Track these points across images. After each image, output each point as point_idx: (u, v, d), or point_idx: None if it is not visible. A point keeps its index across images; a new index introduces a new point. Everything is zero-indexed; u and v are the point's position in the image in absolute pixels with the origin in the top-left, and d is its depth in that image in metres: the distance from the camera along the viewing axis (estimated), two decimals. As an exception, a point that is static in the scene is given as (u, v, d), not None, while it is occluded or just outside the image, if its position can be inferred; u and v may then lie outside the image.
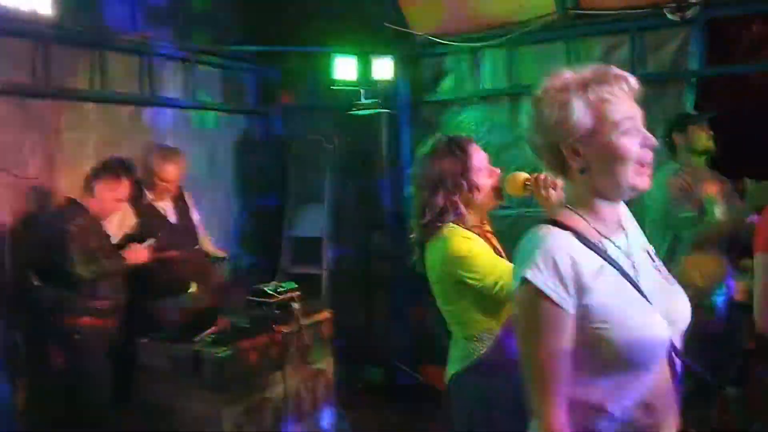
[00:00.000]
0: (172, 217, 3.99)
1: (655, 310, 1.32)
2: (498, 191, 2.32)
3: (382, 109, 4.63)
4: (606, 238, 1.37)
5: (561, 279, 1.28)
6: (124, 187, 3.54)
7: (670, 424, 1.37)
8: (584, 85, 1.33)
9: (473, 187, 2.26)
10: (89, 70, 4.00)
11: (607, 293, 1.29)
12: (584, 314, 1.29)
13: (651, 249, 1.48)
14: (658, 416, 1.34)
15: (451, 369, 2.35)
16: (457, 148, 2.28)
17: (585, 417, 1.32)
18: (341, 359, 4.08)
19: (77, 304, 3.36)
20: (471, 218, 2.29)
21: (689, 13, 3.91)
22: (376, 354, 4.91)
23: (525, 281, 1.29)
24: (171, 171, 3.88)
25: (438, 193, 2.24)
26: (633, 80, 1.35)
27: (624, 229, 1.43)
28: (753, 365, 3.02)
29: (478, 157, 2.30)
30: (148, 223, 3.83)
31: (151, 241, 3.66)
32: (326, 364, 3.84)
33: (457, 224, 2.25)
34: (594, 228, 1.36)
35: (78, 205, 3.43)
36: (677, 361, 1.37)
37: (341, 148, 4.89)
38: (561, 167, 1.38)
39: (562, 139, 1.34)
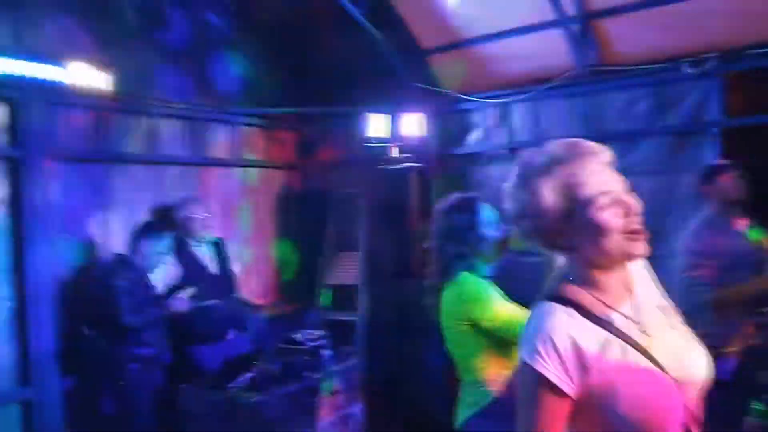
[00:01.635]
0: (213, 268, 4.28)
1: (666, 378, 1.28)
2: (504, 244, 2.53)
3: (412, 163, 4.84)
4: (611, 308, 1.33)
5: (561, 362, 1.26)
6: (166, 242, 3.86)
7: None
8: (549, 168, 1.32)
9: (480, 240, 2.48)
10: (142, 135, 4.38)
11: (613, 369, 1.26)
12: (590, 394, 1.27)
13: (668, 303, 1.43)
14: None
15: (462, 414, 2.50)
16: (465, 205, 2.53)
17: None
18: (374, 404, 4.22)
19: (124, 352, 3.63)
20: (480, 267, 2.50)
21: (707, 67, 3.99)
22: (409, 400, 5.02)
23: (525, 364, 1.28)
24: (198, 208, 4.22)
25: (449, 243, 2.48)
26: (606, 152, 1.34)
27: (631, 292, 1.38)
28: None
29: (485, 214, 2.52)
30: (190, 273, 4.13)
31: (191, 291, 3.94)
32: (356, 408, 4.01)
33: (470, 271, 2.47)
34: (599, 300, 1.33)
35: (126, 260, 3.76)
36: (694, 426, 1.32)
37: (375, 200, 5.10)
38: (553, 246, 1.38)
39: (543, 223, 1.34)
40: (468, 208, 2.52)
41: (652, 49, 4.19)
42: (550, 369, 1.25)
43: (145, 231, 3.83)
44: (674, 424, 1.27)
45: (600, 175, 1.31)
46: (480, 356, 2.43)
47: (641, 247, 1.31)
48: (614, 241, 1.29)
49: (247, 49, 4.97)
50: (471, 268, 2.47)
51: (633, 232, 1.29)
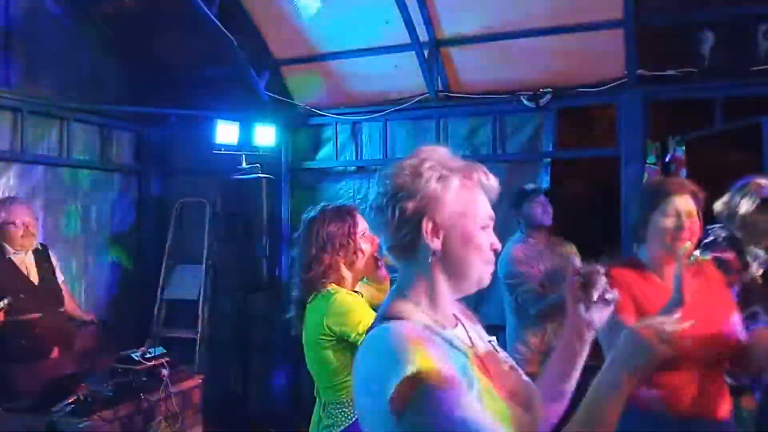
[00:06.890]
0: (34, 277, 3.83)
1: (511, 412, 1.18)
2: (376, 259, 2.45)
3: (263, 174, 4.73)
4: (448, 329, 1.24)
5: (447, 360, 1.11)
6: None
7: None
8: (467, 168, 1.27)
9: (357, 250, 2.37)
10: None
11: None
12: None
13: (493, 340, 1.37)
14: None
15: None
16: (345, 213, 2.40)
17: None
18: (216, 426, 4.01)
19: None
20: (350, 281, 2.40)
21: (542, 101, 4.35)
22: (253, 419, 4.85)
23: (416, 377, 1.05)
24: (20, 211, 3.72)
25: (325, 252, 2.33)
26: (495, 182, 1.30)
27: (459, 321, 1.31)
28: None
29: (363, 224, 2.42)
30: (7, 281, 3.66)
31: (6, 301, 3.49)
32: (196, 431, 3.78)
33: (339, 285, 2.35)
34: (435, 320, 1.23)
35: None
36: None
37: (222, 210, 4.90)
38: (409, 246, 1.25)
39: (428, 213, 1.22)
40: (347, 215, 2.39)
41: (494, 81, 4.49)
42: (446, 367, 1.09)
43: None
44: None
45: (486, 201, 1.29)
46: (344, 374, 2.31)
47: (489, 278, 1.28)
48: (479, 261, 1.25)
49: (85, 40, 4.56)
50: (341, 281, 2.37)
51: (490, 262, 1.28)
